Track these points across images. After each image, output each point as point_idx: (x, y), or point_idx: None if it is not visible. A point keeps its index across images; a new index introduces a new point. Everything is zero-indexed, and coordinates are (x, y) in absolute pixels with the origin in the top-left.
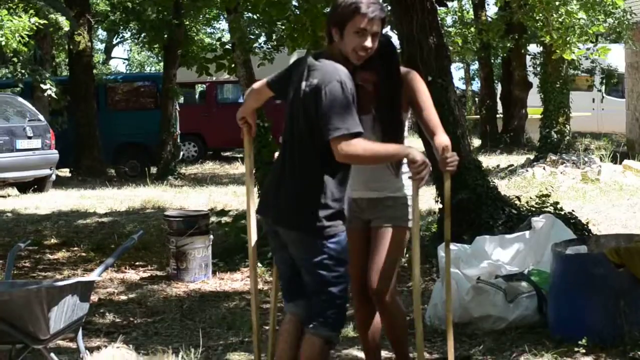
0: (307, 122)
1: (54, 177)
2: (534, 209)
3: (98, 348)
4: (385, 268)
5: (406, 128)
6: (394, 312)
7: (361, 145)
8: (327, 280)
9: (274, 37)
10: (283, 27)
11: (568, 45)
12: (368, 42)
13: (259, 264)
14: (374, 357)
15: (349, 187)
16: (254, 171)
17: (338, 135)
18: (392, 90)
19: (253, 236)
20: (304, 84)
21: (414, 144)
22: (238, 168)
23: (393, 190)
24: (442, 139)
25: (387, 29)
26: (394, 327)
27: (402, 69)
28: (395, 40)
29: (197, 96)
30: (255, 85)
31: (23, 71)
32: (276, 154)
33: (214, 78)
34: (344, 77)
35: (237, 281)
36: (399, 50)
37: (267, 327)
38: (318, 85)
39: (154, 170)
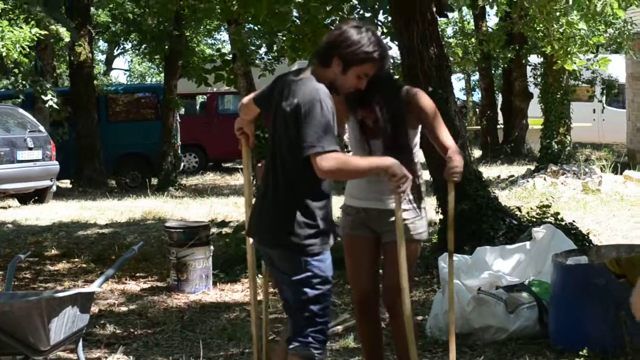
0: (287, 141)
1: (54, 188)
2: (534, 220)
3: (98, 359)
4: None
5: (418, 140)
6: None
7: (340, 160)
8: (308, 298)
9: (274, 48)
10: (284, 38)
11: (569, 56)
12: (363, 85)
13: (259, 275)
14: None
15: (354, 196)
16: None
17: (313, 152)
18: (394, 122)
19: (252, 247)
20: (284, 103)
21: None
22: (239, 179)
23: (405, 203)
24: (451, 152)
25: (387, 40)
26: (404, 338)
27: (406, 88)
28: (395, 51)
29: (197, 107)
30: (244, 100)
31: (24, 82)
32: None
33: (215, 89)
34: (324, 96)
35: (237, 292)
36: (399, 62)
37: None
38: (298, 104)
39: (154, 181)
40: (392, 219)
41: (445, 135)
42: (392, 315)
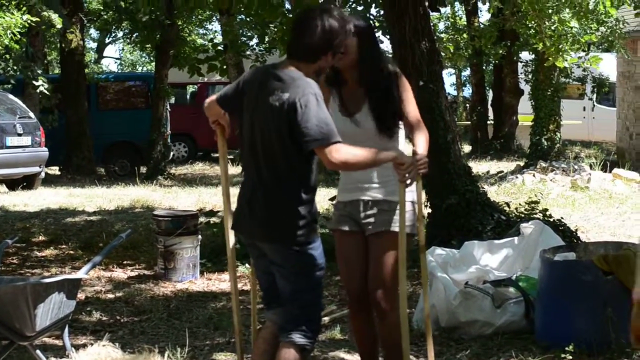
0: (278, 136)
1: (43, 174)
2: (523, 216)
3: (84, 346)
4: (384, 276)
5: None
6: (392, 322)
7: (349, 152)
8: (302, 288)
9: (266, 39)
10: (275, 30)
11: (560, 53)
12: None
13: (246, 265)
14: None
15: (342, 190)
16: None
17: (320, 145)
18: (374, 74)
19: (231, 238)
20: (271, 98)
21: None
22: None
23: (387, 194)
24: (417, 140)
25: (379, 34)
26: (389, 339)
27: (393, 67)
28: (387, 45)
29: (188, 97)
30: (206, 102)
31: (15, 68)
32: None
33: (206, 79)
34: (317, 90)
35: (224, 282)
36: (390, 55)
37: (251, 328)
38: (291, 100)
39: (143, 169)
40: (374, 210)
41: (411, 110)
42: (378, 315)
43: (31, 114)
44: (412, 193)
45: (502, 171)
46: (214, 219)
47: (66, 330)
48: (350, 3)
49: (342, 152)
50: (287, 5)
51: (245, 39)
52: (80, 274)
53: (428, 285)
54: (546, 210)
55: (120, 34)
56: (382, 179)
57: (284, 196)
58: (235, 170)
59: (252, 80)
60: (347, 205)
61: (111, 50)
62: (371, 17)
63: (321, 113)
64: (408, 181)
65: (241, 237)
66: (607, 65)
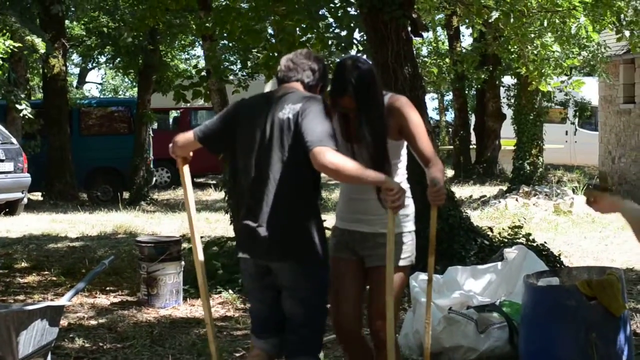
0: (294, 147)
1: (25, 200)
2: (506, 240)
3: None
4: (385, 308)
5: (405, 156)
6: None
7: (341, 158)
8: (315, 311)
9: (248, 65)
10: (259, 55)
11: (543, 77)
12: None
13: (230, 291)
14: None
15: (340, 217)
16: (226, 198)
17: (317, 146)
18: (372, 116)
19: (201, 264)
20: (281, 114)
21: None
22: (211, 194)
23: (385, 227)
24: (433, 171)
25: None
26: None
27: (390, 95)
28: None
29: (171, 122)
30: (179, 140)
31: None
32: None
33: (189, 104)
34: (323, 101)
35: None
36: None
37: (236, 354)
38: (302, 109)
39: (126, 195)
40: (373, 243)
41: (424, 146)
42: (377, 345)
43: (13, 140)
44: (412, 222)
45: (484, 196)
46: None
47: (49, 357)
48: (333, 28)
49: (334, 156)
50: (270, 31)
51: (228, 64)
52: (63, 301)
53: (412, 311)
54: (529, 234)
55: (102, 59)
56: (380, 211)
57: (301, 212)
58: (218, 195)
59: (247, 109)
60: (344, 234)
61: (93, 75)
62: (355, 41)
63: (324, 122)
64: (398, 207)
65: (251, 259)
66: (589, 90)
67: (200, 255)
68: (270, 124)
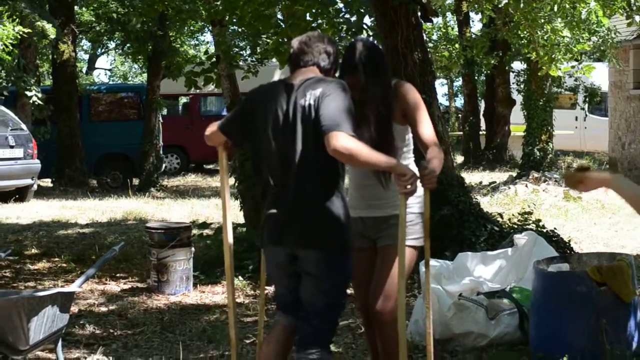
0: (317, 134)
1: (35, 187)
2: (516, 226)
3: (77, 359)
4: (387, 287)
5: (411, 140)
6: (391, 335)
7: (356, 143)
8: (333, 304)
9: (258, 50)
10: (268, 41)
11: (554, 62)
12: None
13: (240, 278)
14: None
15: (352, 206)
16: (236, 184)
17: (328, 130)
18: (377, 95)
19: (229, 250)
20: (302, 100)
21: None
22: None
23: (397, 209)
24: (429, 157)
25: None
26: (389, 352)
27: (397, 80)
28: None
29: (180, 108)
30: (207, 132)
31: (7, 79)
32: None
33: (198, 90)
34: (346, 85)
35: (218, 294)
36: None
37: (247, 341)
38: (323, 92)
39: (136, 181)
40: (385, 225)
41: (425, 131)
42: (378, 323)
43: (23, 126)
44: (420, 205)
45: (494, 182)
46: (207, 231)
47: (59, 343)
48: (343, 13)
49: (348, 141)
50: (280, 16)
51: (237, 49)
52: (73, 287)
53: (422, 297)
54: (539, 220)
55: (112, 45)
56: (389, 194)
57: (322, 201)
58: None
59: (262, 96)
60: (357, 222)
61: (102, 62)
62: (365, 26)
63: (342, 103)
64: (410, 191)
65: (282, 249)
66: (599, 75)
67: (230, 238)
68: (292, 112)
